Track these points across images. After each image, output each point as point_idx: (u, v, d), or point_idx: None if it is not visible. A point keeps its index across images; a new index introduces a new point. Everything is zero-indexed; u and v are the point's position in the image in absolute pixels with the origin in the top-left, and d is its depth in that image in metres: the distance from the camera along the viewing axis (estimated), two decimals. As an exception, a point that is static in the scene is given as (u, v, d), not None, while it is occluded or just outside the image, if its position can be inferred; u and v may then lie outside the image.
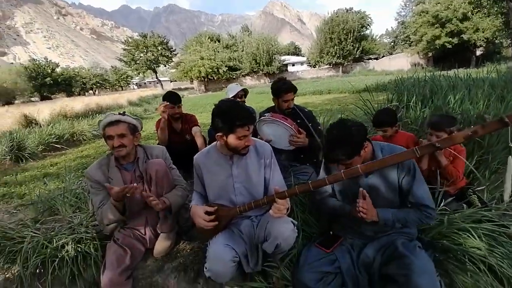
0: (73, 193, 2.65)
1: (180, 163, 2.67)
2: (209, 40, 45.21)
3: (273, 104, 2.59)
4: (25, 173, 4.75)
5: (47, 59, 44.79)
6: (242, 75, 42.48)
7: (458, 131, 1.13)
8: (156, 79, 51.96)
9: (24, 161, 5.58)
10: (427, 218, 1.44)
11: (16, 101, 35.31)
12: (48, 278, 1.81)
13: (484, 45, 27.55)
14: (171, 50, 48.02)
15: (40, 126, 8.15)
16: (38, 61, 42.51)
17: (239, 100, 3.05)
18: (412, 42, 32.23)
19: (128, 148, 1.81)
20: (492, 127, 1.06)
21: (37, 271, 1.90)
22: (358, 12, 42.24)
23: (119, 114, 1.84)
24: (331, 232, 1.70)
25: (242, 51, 43.76)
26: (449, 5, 26.26)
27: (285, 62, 44.23)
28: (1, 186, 4.08)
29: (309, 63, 43.30)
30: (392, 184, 1.49)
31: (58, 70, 45.29)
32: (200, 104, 16.22)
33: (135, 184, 1.70)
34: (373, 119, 2.35)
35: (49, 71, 42.25)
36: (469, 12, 25.86)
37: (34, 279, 1.87)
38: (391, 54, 41.93)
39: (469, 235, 1.59)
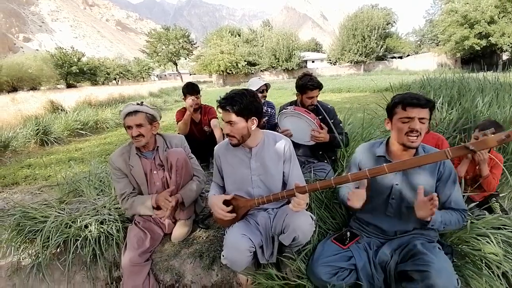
0: (97, 177, 2.77)
1: (198, 154, 2.73)
2: (229, 34, 45.28)
3: (294, 99, 2.58)
4: (50, 156, 4.97)
5: (73, 48, 46.26)
6: (261, 70, 42.32)
7: (492, 135, 1.10)
8: (176, 72, 52.72)
9: (49, 145, 5.83)
10: (463, 221, 1.45)
11: (42, 88, 36.62)
12: (68, 258, 1.90)
13: (510, 50, 26.21)
14: (192, 43, 48.52)
15: (66, 113, 8.48)
16: (65, 49, 43.97)
17: (261, 94, 3.05)
18: (439, 41, 30.90)
19: (146, 138, 1.85)
20: None
21: (58, 250, 2.00)
22: (384, 9, 40.97)
23: (137, 104, 1.86)
24: (348, 230, 1.69)
25: (262, 46, 43.55)
26: (477, 6, 25.08)
27: (304, 59, 43.64)
28: (25, 167, 4.26)
29: (330, 60, 42.49)
30: (428, 188, 1.43)
31: (84, 59, 46.74)
32: (219, 96, 16.30)
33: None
34: None
35: (76, 60, 43.63)
36: (496, 16, 24.68)
37: (54, 259, 1.95)
38: (416, 53, 40.41)
39: (489, 240, 1.57)
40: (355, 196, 1.40)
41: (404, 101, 1.36)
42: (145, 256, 1.81)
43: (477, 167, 1.95)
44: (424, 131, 1.36)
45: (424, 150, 1.46)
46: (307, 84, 2.31)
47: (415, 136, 1.34)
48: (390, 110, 1.45)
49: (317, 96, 2.39)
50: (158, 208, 1.89)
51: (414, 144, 1.36)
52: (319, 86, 2.34)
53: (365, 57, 37.07)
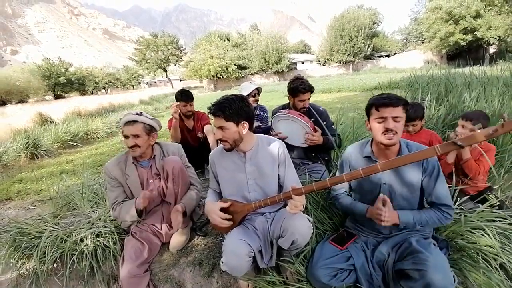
0: (91, 189, 2.73)
1: (193, 161, 2.73)
2: (218, 39, 45.38)
3: (286, 102, 2.60)
4: (41, 169, 4.88)
5: (60, 58, 45.67)
6: (251, 74, 42.49)
7: (479, 130, 1.12)
8: (166, 78, 52.47)
9: (39, 158, 5.73)
10: (446, 219, 1.43)
11: (30, 100, 36.09)
12: (66, 272, 1.86)
13: (496, 43, 26.91)
14: (181, 49, 48.39)
15: (55, 124, 8.34)
16: (52, 60, 43.38)
17: (253, 99, 3.06)
18: (425, 39, 31.54)
19: (142, 149, 1.85)
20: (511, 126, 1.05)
21: (54, 265, 1.97)
22: (369, 9, 41.71)
23: (136, 114, 1.85)
24: (344, 230, 1.70)
25: (251, 49, 43.78)
26: (462, 1, 25.69)
27: (294, 60, 43.99)
28: (16, 182, 4.20)
29: (319, 61, 42.93)
30: (415, 184, 1.47)
31: (71, 69, 46.16)
32: (210, 103, 16.30)
33: (150, 189, 1.84)
34: None
35: (63, 70, 43.08)
36: (482, 10, 25.28)
37: (51, 274, 1.93)
38: (403, 51, 41.16)
39: (484, 233, 1.59)
40: (391, 216, 1.41)
41: (376, 102, 1.40)
42: (144, 267, 1.79)
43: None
44: (400, 129, 1.38)
45: (407, 146, 1.49)
46: (299, 87, 2.33)
47: (391, 134, 1.37)
48: (367, 112, 1.49)
49: (309, 99, 2.41)
50: (141, 212, 1.86)
51: (391, 142, 1.38)
52: (310, 89, 2.36)
53: (353, 56, 37.58)
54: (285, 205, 1.56)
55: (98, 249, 1.95)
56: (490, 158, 2.00)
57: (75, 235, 2.02)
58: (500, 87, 3.66)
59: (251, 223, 1.69)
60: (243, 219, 1.64)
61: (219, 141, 1.58)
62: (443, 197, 1.44)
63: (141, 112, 1.88)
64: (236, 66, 40.52)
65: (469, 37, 26.37)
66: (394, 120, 1.36)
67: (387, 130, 1.37)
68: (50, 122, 8.99)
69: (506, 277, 1.48)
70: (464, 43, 26.87)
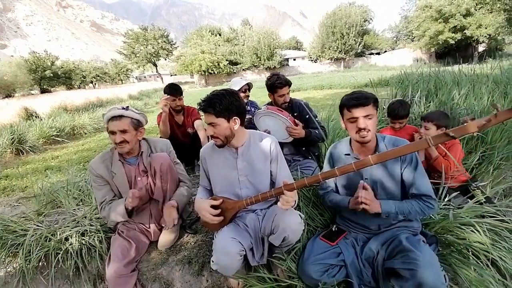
0: (76, 186, 2.65)
1: (183, 157, 2.67)
2: (210, 33, 44.90)
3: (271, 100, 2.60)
4: (26, 166, 4.75)
5: (47, 51, 44.41)
6: (243, 69, 42.27)
7: (471, 121, 1.10)
8: (156, 73, 51.68)
9: (25, 154, 5.58)
10: (429, 209, 1.43)
11: (16, 94, 35.20)
12: (51, 271, 1.82)
13: (486, 41, 27.43)
14: (172, 43, 47.68)
15: (41, 119, 8.12)
16: (38, 53, 42.14)
17: (243, 94, 3.02)
18: (414, 37, 31.98)
19: (131, 144, 1.78)
20: (505, 116, 1.04)
21: (40, 264, 1.91)
22: (361, 6, 41.97)
23: (122, 108, 1.77)
24: (335, 226, 1.70)
25: (243, 45, 43.53)
26: (452, 0, 26.04)
27: (286, 57, 43.97)
28: (2, 179, 4.08)
29: (311, 57, 43.05)
30: (395, 177, 1.49)
31: (58, 63, 44.95)
32: (200, 98, 16.15)
33: (139, 188, 1.80)
34: (391, 111, 2.38)
35: (49, 63, 41.97)
36: (472, 8, 25.67)
37: (37, 273, 1.87)
38: (393, 49, 41.66)
39: (473, 229, 1.60)
40: (372, 202, 1.41)
41: (347, 102, 1.42)
42: (131, 267, 1.74)
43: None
44: (372, 126, 1.41)
45: (384, 140, 1.51)
46: (275, 83, 2.35)
47: (364, 132, 1.40)
48: (341, 112, 1.51)
49: (288, 93, 2.42)
50: (131, 212, 1.81)
51: (365, 139, 1.42)
52: (287, 83, 2.38)
53: (344, 54, 37.86)
54: (276, 201, 1.53)
55: (84, 248, 1.89)
56: (456, 151, 2.07)
57: (60, 234, 1.96)
58: (489, 85, 3.72)
59: (242, 221, 1.66)
60: (234, 216, 1.61)
61: (210, 138, 1.54)
62: (423, 188, 1.45)
63: (127, 106, 1.81)
64: (227, 62, 40.22)
65: (458, 36, 26.77)
66: (367, 118, 1.40)
67: (360, 129, 1.40)
68: (36, 117, 8.77)
69: (499, 275, 1.48)
70: (453, 42, 27.30)
